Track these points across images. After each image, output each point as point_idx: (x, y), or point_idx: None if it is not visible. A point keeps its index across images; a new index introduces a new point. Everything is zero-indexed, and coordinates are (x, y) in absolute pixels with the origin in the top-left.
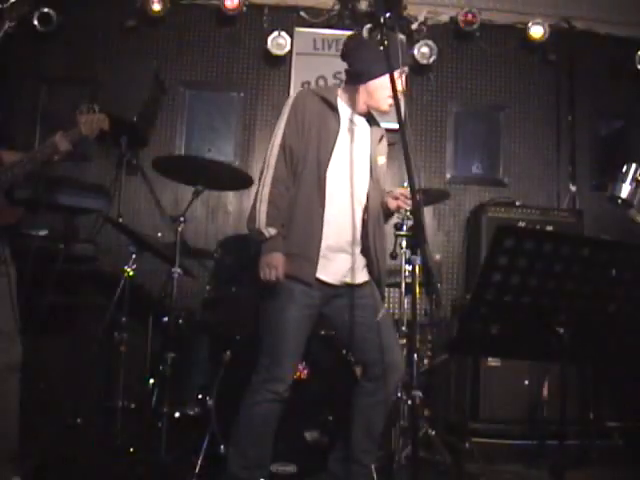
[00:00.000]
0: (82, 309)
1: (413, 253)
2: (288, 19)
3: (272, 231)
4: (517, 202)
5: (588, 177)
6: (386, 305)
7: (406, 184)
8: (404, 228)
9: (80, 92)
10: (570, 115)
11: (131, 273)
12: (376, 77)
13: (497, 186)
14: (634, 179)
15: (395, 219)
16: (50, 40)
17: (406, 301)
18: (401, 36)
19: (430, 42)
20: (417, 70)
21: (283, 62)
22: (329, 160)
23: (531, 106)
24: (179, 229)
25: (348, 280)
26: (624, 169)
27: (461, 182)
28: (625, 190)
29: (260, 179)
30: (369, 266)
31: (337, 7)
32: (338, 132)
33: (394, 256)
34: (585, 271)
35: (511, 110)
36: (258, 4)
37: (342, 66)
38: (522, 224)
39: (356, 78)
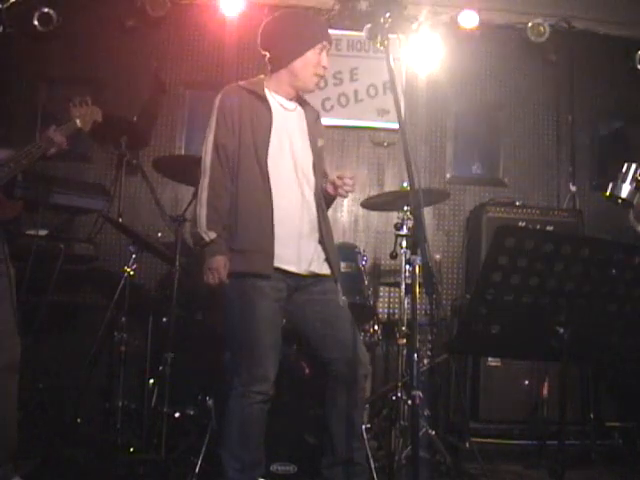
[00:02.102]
0: (82, 309)
1: (413, 253)
2: None
3: (212, 235)
4: (517, 202)
5: (588, 177)
6: (386, 305)
7: (405, 184)
8: (404, 228)
9: (80, 92)
10: (570, 115)
11: (131, 273)
12: (296, 57)
13: (497, 186)
14: (634, 179)
15: (395, 219)
16: (50, 40)
17: (406, 301)
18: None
19: (430, 42)
20: (417, 70)
21: None
22: (267, 150)
23: (531, 106)
24: (179, 229)
25: (314, 269)
26: (624, 169)
27: (461, 182)
28: (625, 190)
29: (199, 184)
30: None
31: (337, 7)
32: (271, 121)
33: (394, 256)
34: (585, 271)
35: (511, 110)
36: (258, 4)
37: (342, 66)
38: (522, 224)
39: (277, 63)
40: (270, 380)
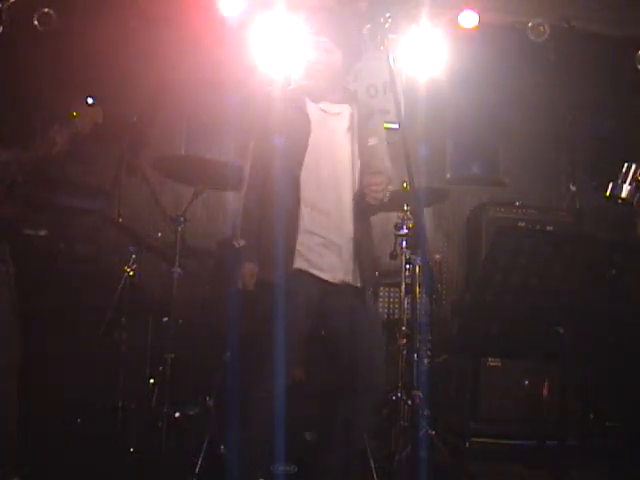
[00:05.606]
0: (82, 309)
1: (413, 253)
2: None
3: (241, 242)
4: (517, 202)
5: (588, 177)
6: (386, 305)
7: (405, 184)
8: (404, 228)
9: (80, 92)
10: (570, 115)
11: (131, 273)
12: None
13: (497, 186)
14: (634, 179)
15: (395, 219)
16: (50, 40)
17: (406, 301)
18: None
19: (430, 42)
20: (417, 70)
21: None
22: (302, 161)
23: (531, 106)
24: (179, 229)
25: (345, 279)
26: (624, 169)
27: (461, 182)
28: (625, 190)
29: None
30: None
31: (337, 7)
32: (309, 129)
33: (394, 256)
34: (585, 271)
35: (511, 110)
36: (258, 4)
37: None
38: (522, 224)
39: None
40: (281, 380)
